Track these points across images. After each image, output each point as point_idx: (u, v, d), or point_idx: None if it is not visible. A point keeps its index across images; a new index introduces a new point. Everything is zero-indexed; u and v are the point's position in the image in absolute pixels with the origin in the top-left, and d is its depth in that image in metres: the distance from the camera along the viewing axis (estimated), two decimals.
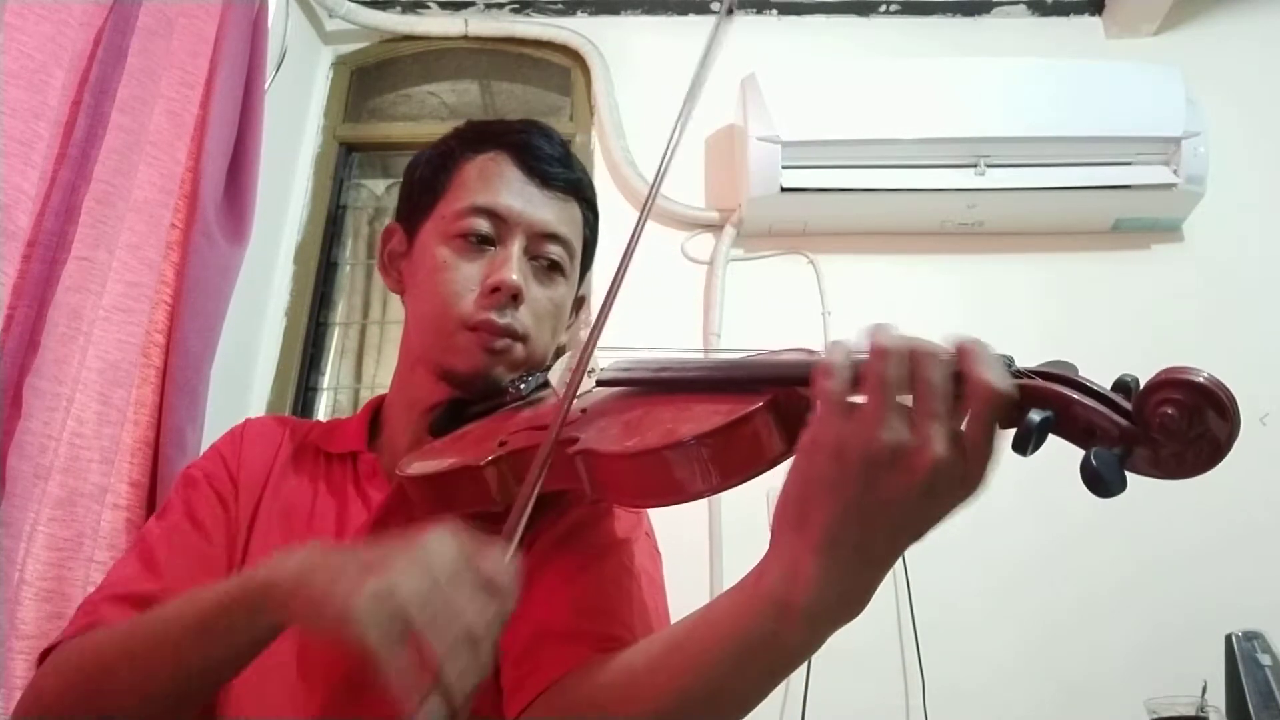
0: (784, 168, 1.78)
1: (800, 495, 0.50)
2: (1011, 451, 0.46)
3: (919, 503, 0.47)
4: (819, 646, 0.53)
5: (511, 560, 0.53)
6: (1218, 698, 1.20)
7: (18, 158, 1.11)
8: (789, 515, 0.51)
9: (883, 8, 2.16)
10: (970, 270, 1.90)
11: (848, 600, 0.50)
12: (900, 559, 0.50)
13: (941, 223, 1.89)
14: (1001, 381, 0.46)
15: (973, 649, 1.60)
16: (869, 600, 0.51)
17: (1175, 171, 1.77)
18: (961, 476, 0.46)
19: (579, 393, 0.70)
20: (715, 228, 1.94)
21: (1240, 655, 1.16)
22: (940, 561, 1.64)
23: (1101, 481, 0.44)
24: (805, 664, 1.50)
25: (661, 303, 1.85)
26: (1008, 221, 1.88)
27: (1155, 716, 1.27)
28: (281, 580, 0.55)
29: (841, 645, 1.80)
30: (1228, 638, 1.18)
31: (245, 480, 0.87)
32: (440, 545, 0.52)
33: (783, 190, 1.79)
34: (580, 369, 0.65)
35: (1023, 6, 2.15)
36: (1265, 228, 1.90)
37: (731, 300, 1.87)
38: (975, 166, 1.79)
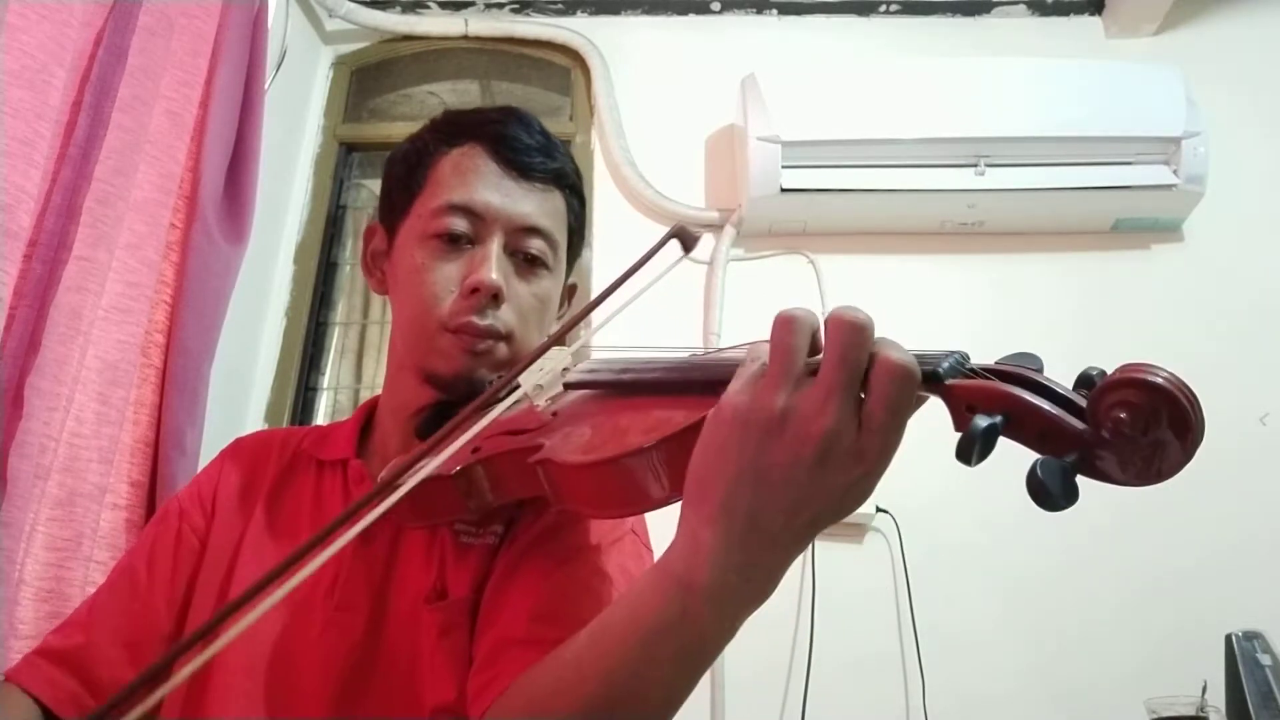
0: (784, 168, 1.78)
1: (701, 465, 0.49)
2: (956, 460, 0.43)
3: (811, 473, 0.45)
4: (732, 632, 0.52)
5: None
6: (1218, 698, 1.20)
7: (20, 158, 1.10)
8: (692, 490, 0.50)
9: (883, 8, 2.16)
10: (970, 270, 1.90)
11: (749, 578, 0.49)
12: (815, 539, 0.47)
13: (941, 223, 1.89)
14: (905, 358, 0.44)
15: (973, 651, 1.59)
16: (774, 583, 0.50)
17: (1175, 171, 1.77)
18: (857, 451, 0.45)
19: (551, 396, 0.69)
20: (715, 228, 1.93)
21: (1240, 655, 1.16)
22: (940, 563, 1.64)
23: (1046, 495, 0.41)
24: (804, 674, 1.52)
25: (661, 303, 1.84)
26: (1008, 221, 1.88)
27: (1155, 716, 1.27)
28: None
29: (842, 654, 1.80)
30: (1228, 638, 1.18)
31: (224, 506, 0.87)
32: None
33: (783, 190, 1.79)
34: (516, 372, 0.63)
35: (1023, 6, 2.15)
36: (1265, 228, 1.90)
37: (731, 300, 1.87)
38: (975, 166, 1.79)
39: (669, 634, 0.51)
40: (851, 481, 0.46)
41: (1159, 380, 0.40)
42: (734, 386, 0.48)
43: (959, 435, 0.43)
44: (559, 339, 0.70)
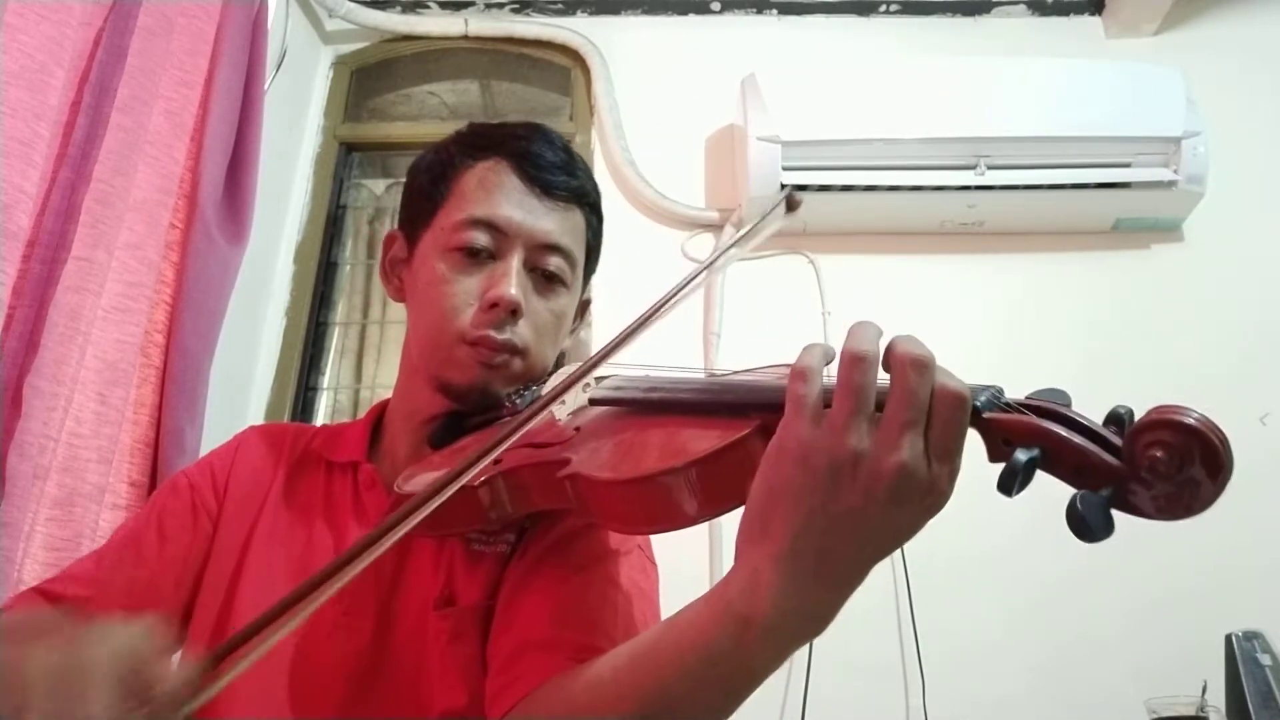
0: (784, 168, 1.78)
1: (763, 503, 0.49)
2: (997, 492, 0.44)
3: (885, 510, 0.45)
4: (781, 663, 0.51)
5: (190, 676, 0.49)
6: (1218, 698, 1.20)
7: (18, 158, 1.11)
8: (752, 525, 0.49)
9: (883, 8, 2.16)
10: (970, 270, 1.90)
11: (809, 615, 0.49)
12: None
13: (941, 223, 1.89)
14: (962, 387, 0.45)
15: (973, 654, 1.59)
16: (833, 617, 0.49)
17: (1175, 171, 1.77)
18: (929, 483, 0.45)
19: (573, 409, 0.69)
20: (715, 228, 1.94)
21: (1240, 655, 1.16)
22: (940, 566, 1.64)
23: (1087, 528, 0.43)
24: (803, 677, 1.52)
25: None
26: (1008, 221, 1.88)
27: (1155, 717, 1.27)
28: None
29: (842, 659, 1.78)
30: (1228, 638, 1.18)
31: (235, 494, 0.86)
32: (104, 640, 0.49)
33: (783, 190, 1.79)
34: (551, 398, 0.62)
35: (1023, 6, 2.15)
36: (1265, 228, 1.90)
37: (731, 300, 1.87)
38: (975, 167, 1.79)
39: (720, 663, 0.51)
40: (922, 512, 0.46)
41: (1191, 421, 0.42)
42: (797, 425, 0.47)
43: (1001, 468, 0.44)
44: (597, 363, 0.66)
